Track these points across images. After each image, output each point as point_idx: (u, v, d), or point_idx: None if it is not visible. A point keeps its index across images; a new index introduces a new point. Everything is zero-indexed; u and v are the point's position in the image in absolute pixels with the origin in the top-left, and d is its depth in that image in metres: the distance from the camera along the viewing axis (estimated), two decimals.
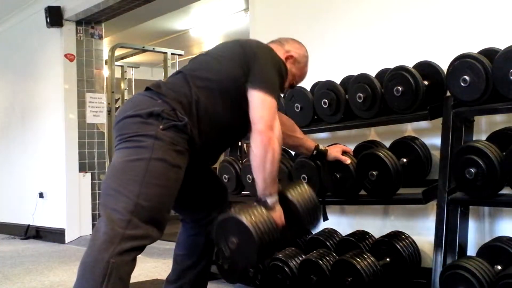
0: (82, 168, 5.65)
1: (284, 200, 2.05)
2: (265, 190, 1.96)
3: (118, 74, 7.19)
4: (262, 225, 1.89)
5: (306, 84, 3.05)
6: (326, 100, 2.81)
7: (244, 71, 1.97)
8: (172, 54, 7.14)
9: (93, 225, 5.63)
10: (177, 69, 2.19)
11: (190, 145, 1.90)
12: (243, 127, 2.07)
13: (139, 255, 1.80)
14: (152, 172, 1.78)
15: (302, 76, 2.35)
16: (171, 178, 1.83)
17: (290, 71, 2.23)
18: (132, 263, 1.77)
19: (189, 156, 1.91)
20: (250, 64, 1.98)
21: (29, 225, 6.02)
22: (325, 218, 2.70)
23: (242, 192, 3.22)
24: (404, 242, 2.56)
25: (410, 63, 2.57)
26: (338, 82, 2.86)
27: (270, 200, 1.97)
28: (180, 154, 1.86)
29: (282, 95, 3.14)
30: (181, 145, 1.86)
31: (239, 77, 1.97)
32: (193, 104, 1.91)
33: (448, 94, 2.41)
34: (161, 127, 1.82)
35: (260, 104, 1.94)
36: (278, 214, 1.98)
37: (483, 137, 2.39)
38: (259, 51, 2.04)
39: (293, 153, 2.98)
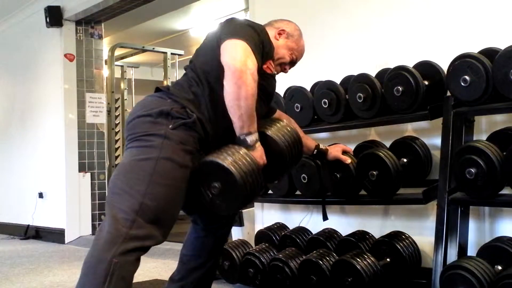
0: (81, 168, 5.65)
1: (263, 138, 1.96)
2: (242, 129, 1.88)
3: (118, 74, 7.18)
4: (244, 167, 1.82)
5: (306, 84, 3.05)
6: (326, 100, 2.81)
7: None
8: (172, 54, 7.13)
9: (93, 225, 5.63)
10: (183, 68, 2.17)
11: (201, 144, 1.89)
12: None
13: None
14: (160, 171, 1.77)
15: (299, 49, 2.27)
16: (178, 177, 1.82)
17: (286, 45, 2.20)
18: (135, 263, 1.76)
19: (201, 156, 1.90)
20: (223, 31, 1.93)
21: (28, 225, 6.02)
22: (325, 218, 2.70)
23: None
24: (404, 242, 2.56)
25: (410, 63, 2.57)
26: (338, 82, 2.86)
27: (249, 139, 1.88)
28: (189, 154, 1.85)
29: (282, 90, 3.14)
30: (190, 144, 1.85)
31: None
32: (202, 98, 1.90)
33: (448, 94, 2.41)
34: (170, 126, 1.82)
35: (230, 47, 1.86)
36: (259, 153, 1.91)
37: (484, 137, 2.38)
38: (231, 19, 2.00)
39: None
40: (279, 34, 2.21)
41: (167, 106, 1.85)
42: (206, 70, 1.96)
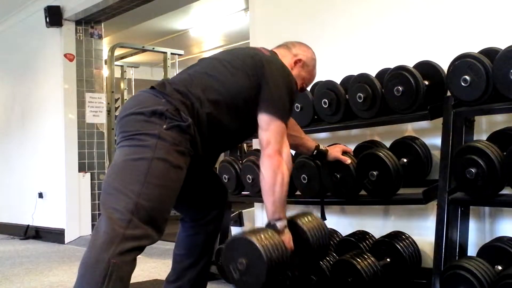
0: (81, 168, 5.65)
1: (293, 227, 2.10)
2: (274, 214, 2.01)
3: (117, 74, 7.18)
4: (271, 247, 1.92)
5: None
6: (326, 100, 2.81)
7: (253, 85, 1.99)
8: (172, 54, 7.14)
9: (92, 225, 5.62)
10: (186, 68, 2.16)
11: (192, 146, 1.89)
12: (246, 131, 2.13)
13: (139, 255, 1.79)
14: (154, 172, 1.77)
15: (311, 78, 2.37)
16: (172, 178, 1.82)
17: (300, 74, 2.25)
18: (133, 263, 1.76)
19: (191, 157, 1.90)
20: (261, 81, 1.99)
21: (28, 225, 6.01)
22: (323, 219, 2.70)
23: (242, 192, 3.22)
24: (404, 242, 2.55)
25: (410, 63, 2.57)
26: (338, 82, 2.86)
27: (279, 224, 2.01)
28: (182, 155, 1.85)
29: None
30: (183, 145, 1.85)
31: (248, 91, 1.99)
32: (197, 108, 1.90)
33: (449, 94, 2.41)
34: (164, 126, 1.81)
35: (268, 128, 1.99)
36: (287, 238, 2.02)
37: (484, 137, 2.38)
38: (270, 68, 2.03)
39: (293, 152, 2.98)
40: (295, 63, 2.25)
41: (161, 106, 1.84)
42: (221, 91, 1.96)
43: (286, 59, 2.21)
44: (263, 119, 2.00)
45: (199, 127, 1.90)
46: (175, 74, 7.06)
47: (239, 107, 2.00)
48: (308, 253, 2.14)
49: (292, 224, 2.10)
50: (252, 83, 1.99)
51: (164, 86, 1.93)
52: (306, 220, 2.15)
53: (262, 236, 1.94)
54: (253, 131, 2.31)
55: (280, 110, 2.01)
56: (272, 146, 1.98)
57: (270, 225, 2.02)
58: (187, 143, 1.87)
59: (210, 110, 1.92)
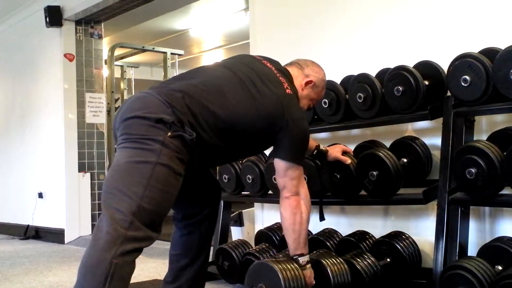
0: (81, 168, 5.64)
1: (318, 266, 2.23)
2: (296, 250, 2.16)
3: (117, 74, 7.18)
4: (292, 278, 2.06)
5: None
6: (326, 100, 2.81)
7: (271, 129, 2.05)
8: (172, 54, 7.13)
9: (92, 225, 5.62)
10: (200, 69, 2.18)
11: (190, 156, 1.91)
12: (246, 154, 2.29)
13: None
14: (157, 176, 1.78)
15: (319, 99, 2.43)
16: (172, 184, 1.84)
17: (309, 95, 2.31)
18: (133, 264, 1.76)
19: (186, 164, 1.92)
20: (282, 129, 2.06)
21: (28, 225, 6.01)
22: (322, 219, 2.70)
23: (242, 192, 3.22)
24: (404, 242, 2.56)
25: (410, 63, 2.57)
26: (338, 82, 2.86)
27: (301, 259, 2.15)
28: (182, 162, 1.87)
29: None
30: (183, 154, 1.87)
31: (259, 124, 2.03)
32: (202, 128, 1.91)
33: (449, 94, 2.41)
34: (169, 134, 1.82)
35: (285, 174, 2.11)
36: (308, 273, 2.16)
37: (484, 137, 2.38)
38: (290, 113, 2.07)
39: None
40: (306, 84, 2.29)
41: (168, 116, 1.84)
42: (230, 116, 1.96)
43: (298, 80, 2.27)
44: (280, 165, 2.12)
45: (199, 143, 1.91)
46: (174, 74, 7.08)
47: (245, 133, 2.03)
48: None
49: (317, 262, 2.24)
50: (270, 128, 2.05)
51: (172, 95, 1.91)
52: (332, 261, 2.28)
53: (285, 266, 2.08)
54: (254, 153, 2.52)
55: (297, 156, 2.13)
56: (289, 189, 2.12)
57: (293, 259, 2.15)
58: (187, 152, 1.89)
59: (214, 134, 1.94)
